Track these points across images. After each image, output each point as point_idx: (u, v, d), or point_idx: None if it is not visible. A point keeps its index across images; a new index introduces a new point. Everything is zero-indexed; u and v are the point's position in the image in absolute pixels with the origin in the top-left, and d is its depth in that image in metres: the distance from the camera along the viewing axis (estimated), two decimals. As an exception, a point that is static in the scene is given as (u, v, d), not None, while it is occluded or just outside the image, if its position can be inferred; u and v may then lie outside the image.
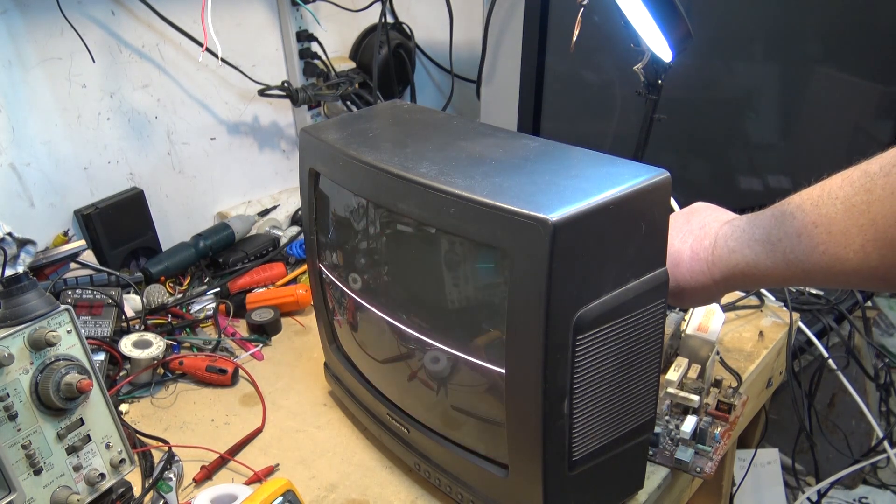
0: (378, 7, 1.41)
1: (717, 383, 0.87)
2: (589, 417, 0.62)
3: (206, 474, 0.81)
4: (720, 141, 1.29)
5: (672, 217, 0.73)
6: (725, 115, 1.28)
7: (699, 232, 0.69)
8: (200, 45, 1.15)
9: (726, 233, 0.66)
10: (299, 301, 1.12)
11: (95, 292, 1.01)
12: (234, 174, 1.37)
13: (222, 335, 1.06)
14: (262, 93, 1.30)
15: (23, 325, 0.66)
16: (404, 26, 1.54)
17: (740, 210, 0.71)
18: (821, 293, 1.17)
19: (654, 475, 0.77)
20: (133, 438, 0.84)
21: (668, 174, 0.59)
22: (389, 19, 1.49)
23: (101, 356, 0.94)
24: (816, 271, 0.57)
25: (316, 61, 1.39)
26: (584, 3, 0.85)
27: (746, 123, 1.30)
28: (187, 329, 1.07)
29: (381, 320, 0.76)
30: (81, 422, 0.71)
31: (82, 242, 1.10)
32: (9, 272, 0.93)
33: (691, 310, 0.89)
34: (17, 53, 1.04)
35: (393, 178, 0.64)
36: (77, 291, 1.01)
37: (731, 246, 0.65)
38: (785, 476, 1.57)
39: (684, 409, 0.82)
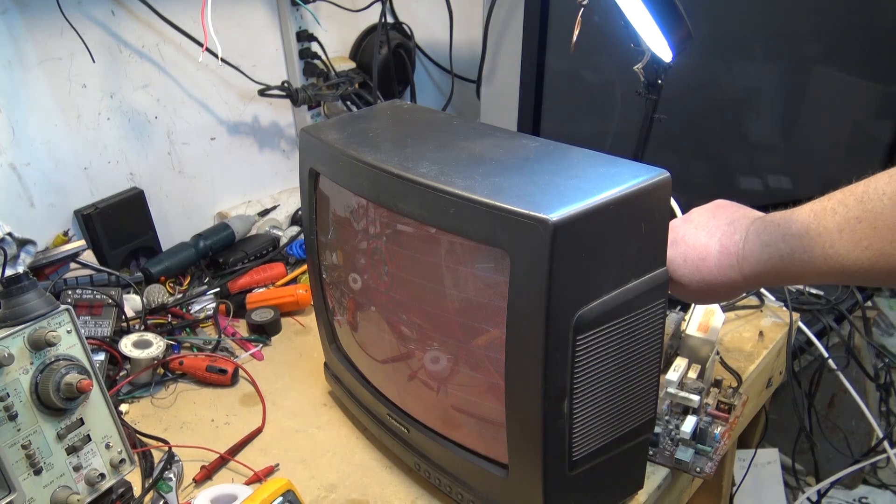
0: (378, 7, 1.41)
1: (717, 383, 0.87)
2: (589, 417, 0.62)
3: (206, 474, 0.81)
4: (720, 141, 1.29)
5: (696, 212, 0.72)
6: (725, 115, 1.28)
7: (727, 227, 0.68)
8: (200, 45, 1.15)
9: (759, 228, 0.65)
10: (299, 301, 1.12)
11: (95, 292, 1.01)
12: (234, 174, 1.37)
13: (222, 335, 1.06)
14: (262, 93, 1.30)
15: (23, 325, 0.66)
16: (404, 26, 1.53)
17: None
18: (821, 293, 1.17)
19: (654, 475, 0.77)
20: (133, 438, 0.84)
21: (668, 174, 0.59)
22: (389, 19, 1.49)
23: (101, 356, 0.94)
24: (856, 268, 0.56)
25: (316, 61, 1.39)
26: (584, 3, 0.85)
27: (746, 123, 1.30)
28: (187, 329, 1.07)
29: (381, 320, 0.76)
30: (81, 422, 0.71)
31: (82, 242, 1.10)
32: (9, 272, 0.93)
33: (691, 310, 0.89)
34: (17, 53, 1.04)
35: (393, 178, 0.64)
36: (77, 291, 1.01)
37: (765, 240, 0.63)
38: (785, 476, 1.57)
39: (684, 409, 0.82)
